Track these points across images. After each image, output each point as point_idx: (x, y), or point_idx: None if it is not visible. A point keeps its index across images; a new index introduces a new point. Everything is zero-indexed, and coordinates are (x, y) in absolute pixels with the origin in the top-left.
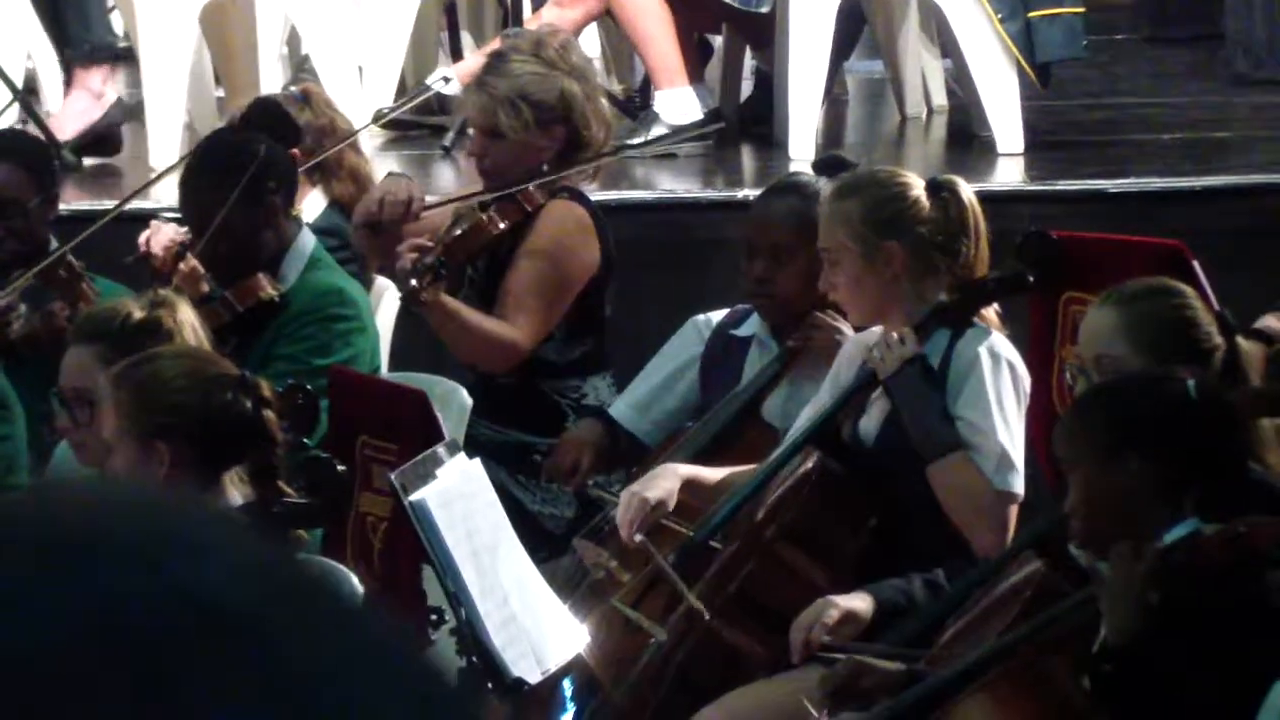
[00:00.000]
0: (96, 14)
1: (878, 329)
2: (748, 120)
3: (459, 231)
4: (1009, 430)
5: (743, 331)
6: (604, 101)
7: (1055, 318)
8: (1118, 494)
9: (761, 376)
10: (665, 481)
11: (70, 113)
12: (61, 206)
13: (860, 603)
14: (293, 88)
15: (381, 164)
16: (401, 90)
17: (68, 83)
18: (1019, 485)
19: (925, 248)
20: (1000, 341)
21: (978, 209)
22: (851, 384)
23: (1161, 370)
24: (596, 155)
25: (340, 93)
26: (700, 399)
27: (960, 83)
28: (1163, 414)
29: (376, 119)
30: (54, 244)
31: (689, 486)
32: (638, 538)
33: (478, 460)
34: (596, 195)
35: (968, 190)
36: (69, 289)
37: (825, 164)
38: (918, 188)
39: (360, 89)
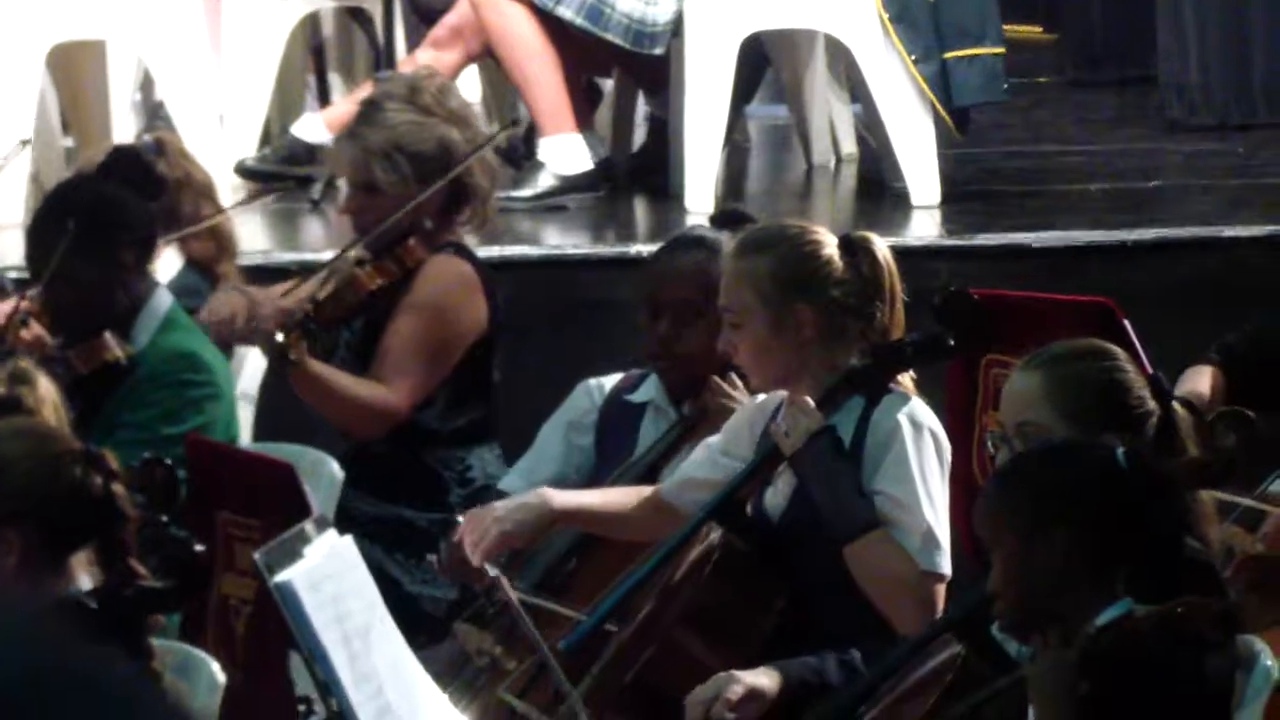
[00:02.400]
0: None
1: (780, 393)
2: (641, 170)
3: (331, 288)
4: (933, 505)
5: (638, 397)
6: (488, 149)
7: (976, 382)
8: (1044, 573)
9: (659, 445)
10: (526, 510)
11: None
12: None
13: (766, 680)
14: (147, 136)
15: (245, 220)
16: (265, 139)
17: None
18: (946, 564)
19: (838, 311)
20: (920, 408)
21: (893, 268)
22: (755, 456)
23: (1089, 439)
24: (483, 205)
25: (198, 142)
26: (595, 468)
27: (871, 129)
28: (1090, 485)
29: (240, 171)
30: None
31: (570, 518)
32: (489, 569)
33: (349, 538)
34: (484, 251)
35: (883, 248)
36: None
37: (725, 218)
38: (830, 245)
39: (220, 138)
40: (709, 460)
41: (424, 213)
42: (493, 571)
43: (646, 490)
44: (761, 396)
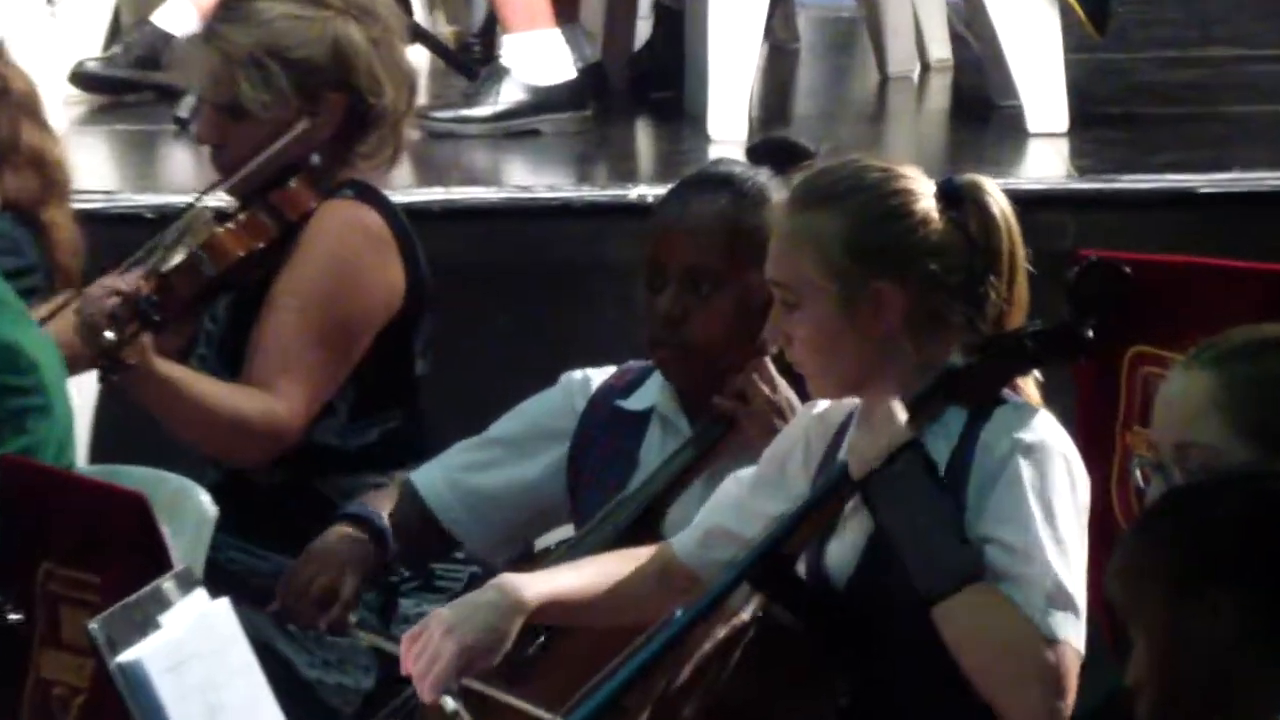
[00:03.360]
0: None
1: (849, 402)
2: (645, 80)
3: (182, 256)
4: (1064, 554)
5: (636, 403)
6: (403, 51)
7: (1118, 387)
8: (1203, 655)
9: (663, 472)
10: (487, 611)
11: None
12: None
13: None
14: None
15: (82, 146)
16: (115, 34)
17: None
18: (1079, 633)
19: (935, 289)
20: (1046, 424)
21: (1014, 227)
22: (813, 490)
23: (1274, 469)
24: (394, 131)
25: (19, 39)
26: (568, 501)
27: (973, 25)
28: (1275, 533)
29: (78, 79)
30: None
31: (546, 612)
32: (447, 703)
33: (225, 601)
34: (404, 194)
35: (1000, 199)
36: None
37: (765, 150)
38: (925, 196)
39: (51, 31)
40: (739, 501)
41: (311, 142)
42: (451, 707)
43: (645, 552)
44: (821, 406)
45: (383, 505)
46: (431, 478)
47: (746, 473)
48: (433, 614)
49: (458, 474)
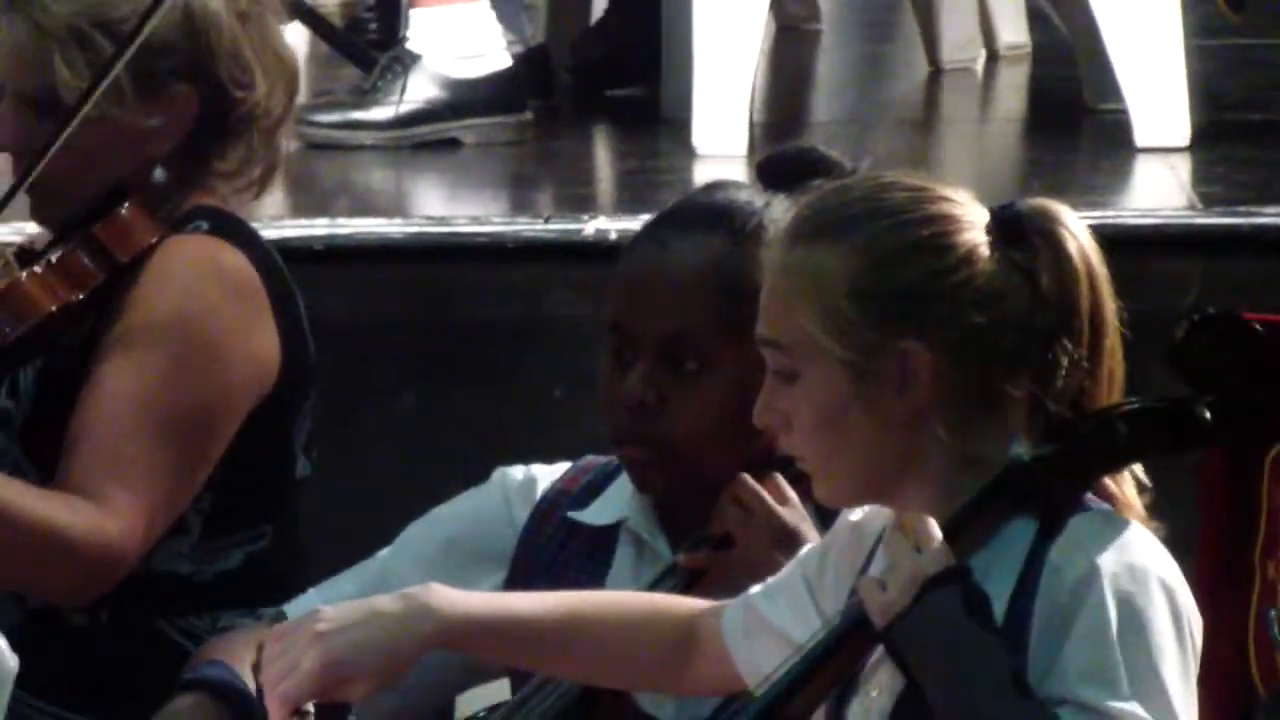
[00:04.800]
0: None
1: (884, 512)
2: (604, 72)
3: None
4: (1170, 708)
5: (598, 517)
6: (279, 31)
7: (1257, 497)
8: None
9: None
10: (381, 622)
11: None
12: None
13: None
14: None
15: None
16: None
17: None
18: None
19: (983, 353)
20: (1140, 540)
21: (1099, 271)
22: (826, 633)
23: None
24: (266, 141)
25: None
26: None
27: (1060, 5)
28: None
29: None
30: None
31: (477, 641)
32: None
33: None
34: (274, 228)
35: (1079, 232)
36: None
37: (784, 168)
38: (972, 226)
39: None
40: (797, 597)
41: (152, 152)
42: None
43: (668, 600)
44: (855, 516)
45: (249, 657)
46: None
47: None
48: (314, 610)
49: (352, 591)
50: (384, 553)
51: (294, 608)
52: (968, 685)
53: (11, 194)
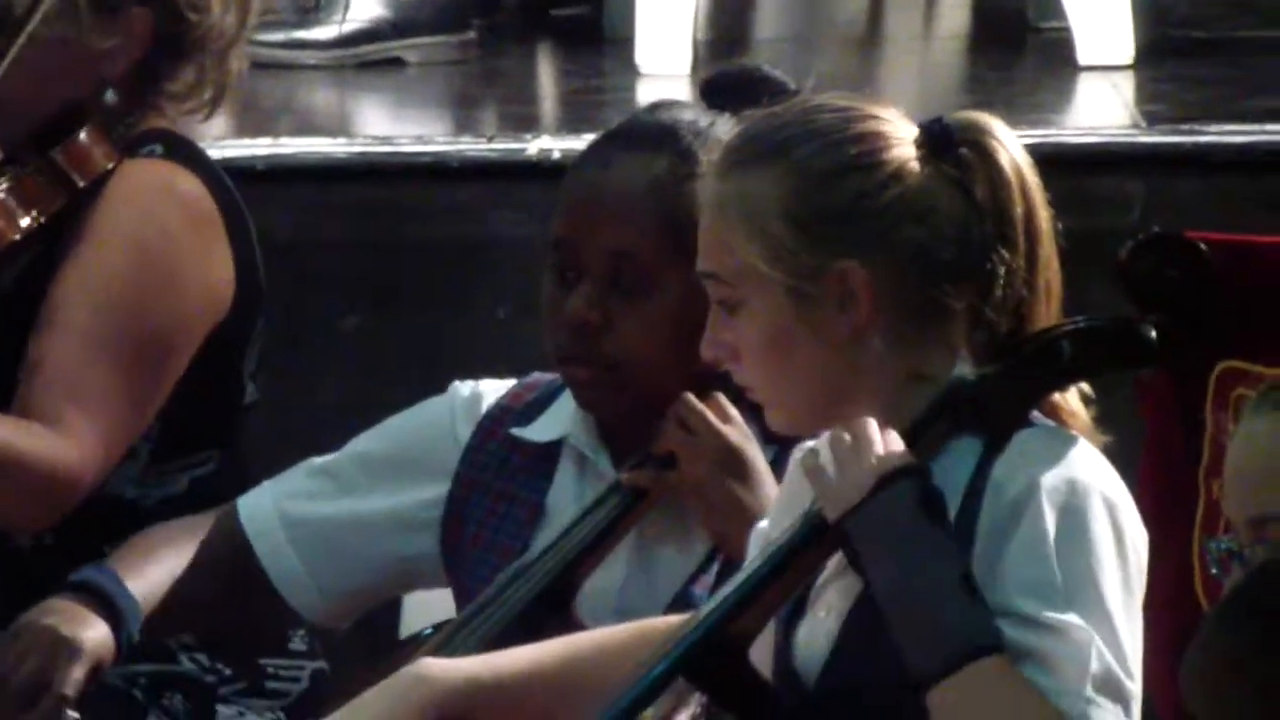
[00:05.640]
0: None
1: (825, 438)
2: None
3: None
4: (1109, 623)
5: (540, 433)
6: None
7: (1200, 415)
8: None
9: (581, 529)
10: (398, 705)
11: None
12: None
13: None
14: None
15: None
16: None
17: None
18: (1131, 716)
19: (920, 267)
20: (1083, 455)
21: (1031, 181)
22: (777, 547)
23: None
24: (218, 62)
25: None
26: (442, 559)
27: None
28: None
29: None
30: None
31: (483, 706)
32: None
33: None
34: (216, 148)
35: (1010, 142)
36: None
37: (727, 86)
38: (901, 141)
39: None
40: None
41: (106, 73)
42: None
43: (636, 628)
44: (809, 445)
45: (138, 566)
46: (260, 505)
47: (764, 523)
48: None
49: (293, 503)
50: (332, 455)
51: (248, 501)
52: (918, 578)
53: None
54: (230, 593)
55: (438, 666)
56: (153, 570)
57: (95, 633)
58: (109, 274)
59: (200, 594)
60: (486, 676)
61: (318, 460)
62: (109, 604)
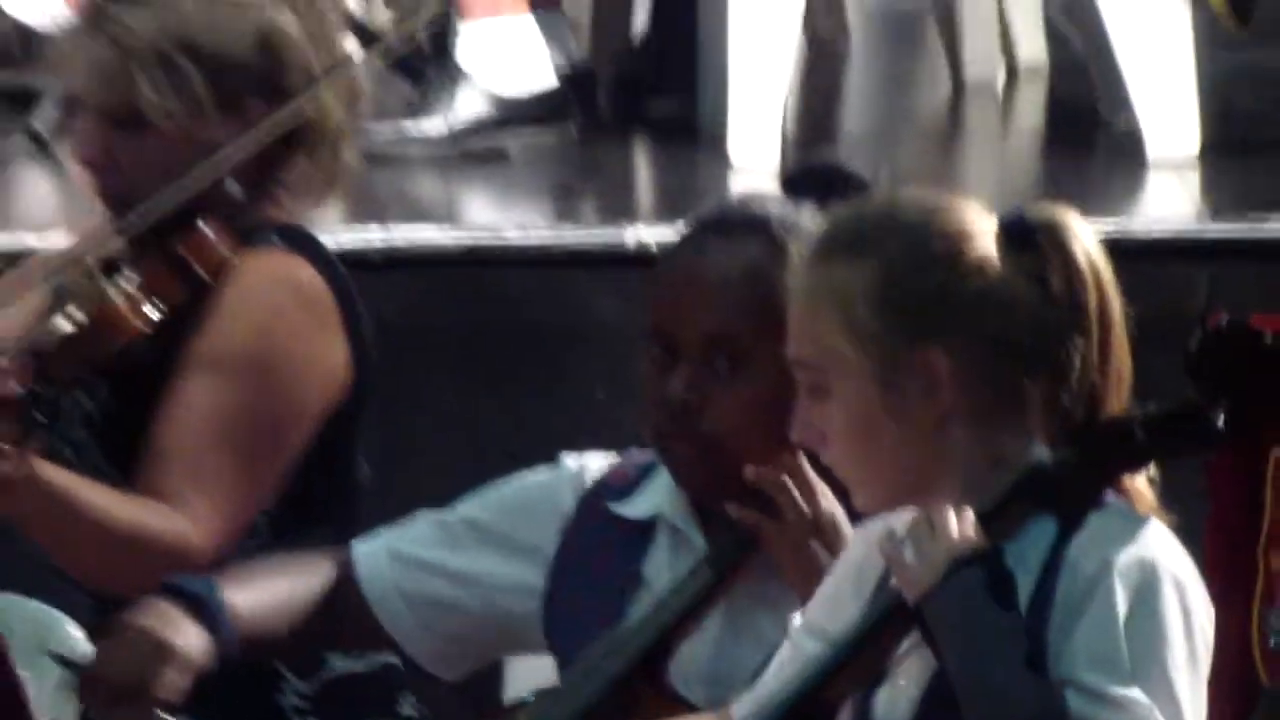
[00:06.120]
0: None
1: (906, 517)
2: (644, 86)
3: (67, 328)
4: (1172, 697)
5: (637, 510)
6: (344, 47)
7: (1261, 494)
8: None
9: (676, 600)
10: None
11: None
12: None
13: None
14: None
15: None
16: None
17: None
18: None
19: (1000, 357)
20: (1155, 537)
21: (1105, 274)
22: (861, 623)
23: None
24: (332, 153)
25: None
26: (542, 626)
27: (1076, 20)
28: None
29: None
30: None
31: None
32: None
33: None
34: (335, 235)
35: (1087, 240)
36: None
37: (811, 180)
38: (982, 235)
39: None
40: (799, 659)
41: (229, 166)
42: None
43: (704, 717)
44: (881, 524)
45: (242, 583)
46: (372, 543)
47: (801, 615)
48: None
49: (403, 544)
50: (446, 511)
51: (361, 542)
52: (985, 660)
53: (133, 224)
54: (330, 619)
55: None
56: (256, 590)
57: (194, 640)
58: (231, 362)
59: (299, 619)
60: None
61: (433, 514)
62: (208, 614)
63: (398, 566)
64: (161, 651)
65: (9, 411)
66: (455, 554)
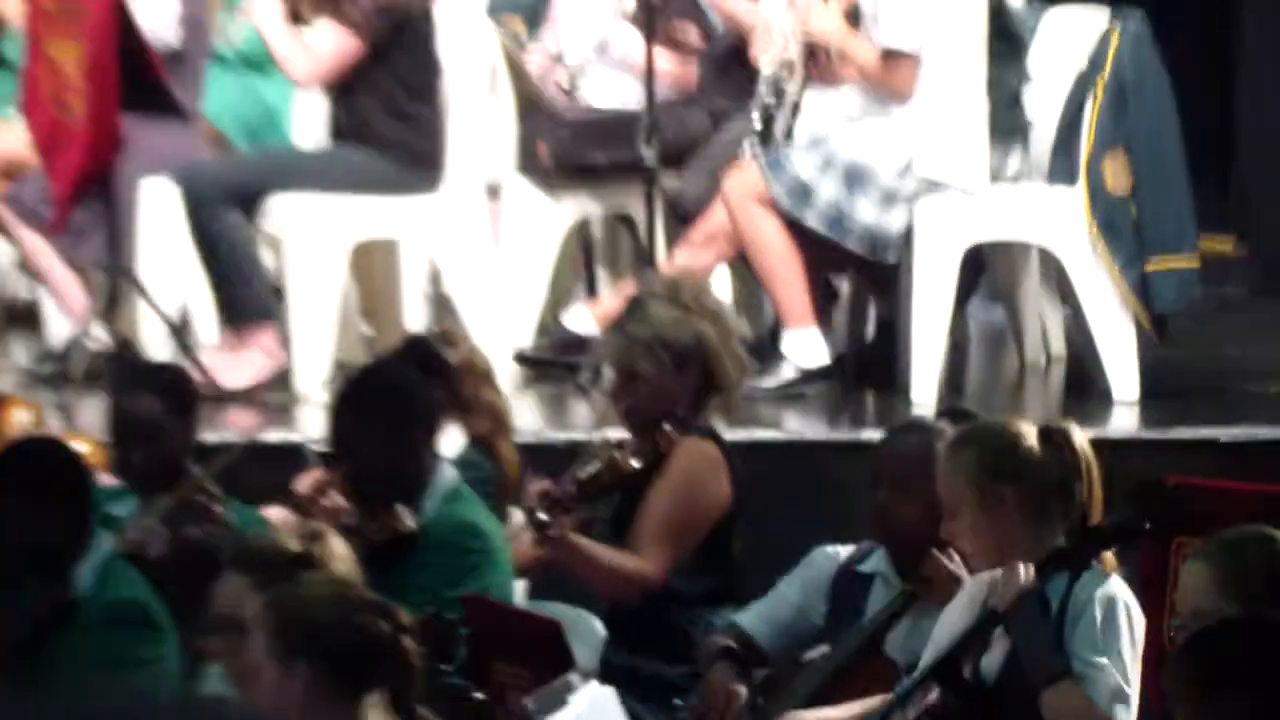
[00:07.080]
0: (255, 272)
1: (999, 571)
2: (871, 364)
3: (593, 469)
4: (1123, 667)
5: (867, 567)
6: (739, 343)
7: (1167, 563)
8: None
9: (884, 613)
10: None
11: (245, 365)
12: (204, 435)
13: None
14: (435, 327)
15: (520, 402)
16: (540, 330)
17: (229, 332)
18: (1128, 717)
19: (1039, 492)
20: (1117, 585)
21: (1090, 454)
22: (974, 621)
23: (1255, 613)
24: (730, 395)
25: (480, 332)
26: (824, 627)
27: (1078, 330)
28: (1257, 653)
29: (517, 359)
30: (193, 469)
31: None
32: None
33: (610, 689)
34: (726, 434)
35: (1080, 437)
36: (205, 513)
37: (948, 413)
38: (1030, 436)
39: (500, 328)
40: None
41: (679, 399)
42: None
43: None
44: (987, 574)
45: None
46: (750, 621)
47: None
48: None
49: (767, 615)
50: (776, 590)
51: (745, 613)
52: (1035, 639)
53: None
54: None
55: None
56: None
57: (745, 689)
58: (674, 491)
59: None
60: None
61: (767, 599)
62: (747, 641)
63: (767, 622)
64: (739, 677)
65: (559, 503)
66: (789, 608)
